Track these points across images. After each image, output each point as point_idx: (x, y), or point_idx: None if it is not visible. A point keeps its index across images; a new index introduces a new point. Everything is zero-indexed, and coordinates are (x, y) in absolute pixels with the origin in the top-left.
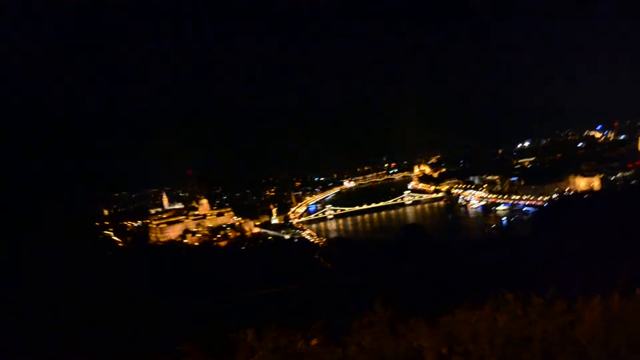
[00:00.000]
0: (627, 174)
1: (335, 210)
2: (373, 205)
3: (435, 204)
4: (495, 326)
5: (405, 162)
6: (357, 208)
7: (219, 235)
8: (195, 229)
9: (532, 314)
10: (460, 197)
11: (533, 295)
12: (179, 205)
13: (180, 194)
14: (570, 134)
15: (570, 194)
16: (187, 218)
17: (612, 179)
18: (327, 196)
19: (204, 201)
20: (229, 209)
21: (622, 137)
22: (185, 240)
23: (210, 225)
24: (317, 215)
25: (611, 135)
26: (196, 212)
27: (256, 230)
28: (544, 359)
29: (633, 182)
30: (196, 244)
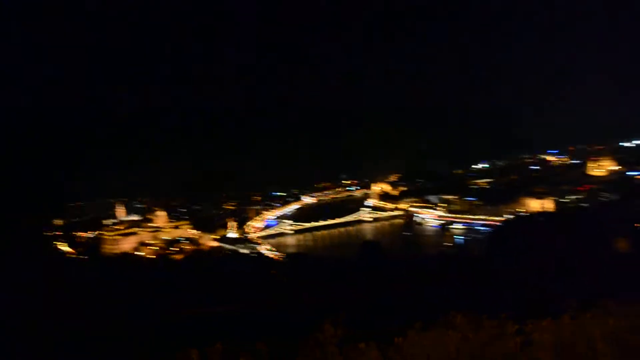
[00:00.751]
0: (578, 196)
1: (294, 226)
2: (333, 221)
3: (394, 221)
4: (447, 348)
5: (366, 179)
6: (316, 224)
7: (174, 248)
8: (150, 242)
9: (483, 335)
10: (419, 215)
11: (484, 317)
12: (135, 217)
13: (138, 206)
14: (526, 157)
15: (524, 214)
16: (142, 230)
17: (563, 201)
18: (287, 211)
19: (161, 213)
20: (186, 222)
21: (575, 161)
22: (139, 253)
23: (166, 237)
24: (276, 230)
25: (566, 160)
26: (151, 224)
27: (213, 244)
28: None
29: (583, 204)
30: (150, 256)
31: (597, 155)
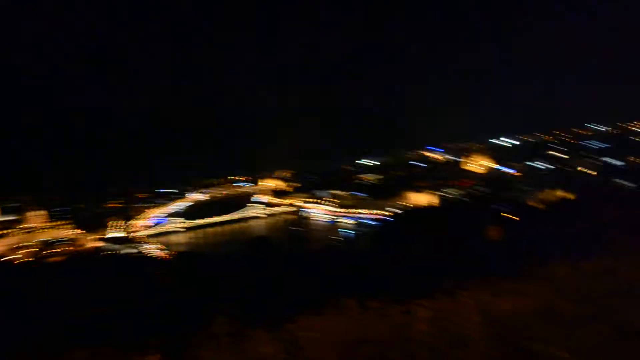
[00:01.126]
0: (458, 190)
1: (184, 223)
2: (224, 218)
3: (285, 217)
4: (336, 330)
5: (257, 175)
6: (207, 221)
7: (52, 250)
8: (25, 243)
9: (370, 316)
10: (309, 210)
11: (370, 299)
12: (9, 217)
13: (12, 205)
14: (411, 153)
15: (409, 208)
16: (16, 231)
17: (444, 194)
18: (177, 208)
19: (39, 212)
20: (67, 221)
21: (453, 158)
22: (12, 256)
23: (44, 238)
24: (165, 228)
25: (445, 156)
26: (27, 225)
27: (96, 244)
28: (378, 358)
29: (462, 198)
30: (25, 259)
31: (471, 152)
